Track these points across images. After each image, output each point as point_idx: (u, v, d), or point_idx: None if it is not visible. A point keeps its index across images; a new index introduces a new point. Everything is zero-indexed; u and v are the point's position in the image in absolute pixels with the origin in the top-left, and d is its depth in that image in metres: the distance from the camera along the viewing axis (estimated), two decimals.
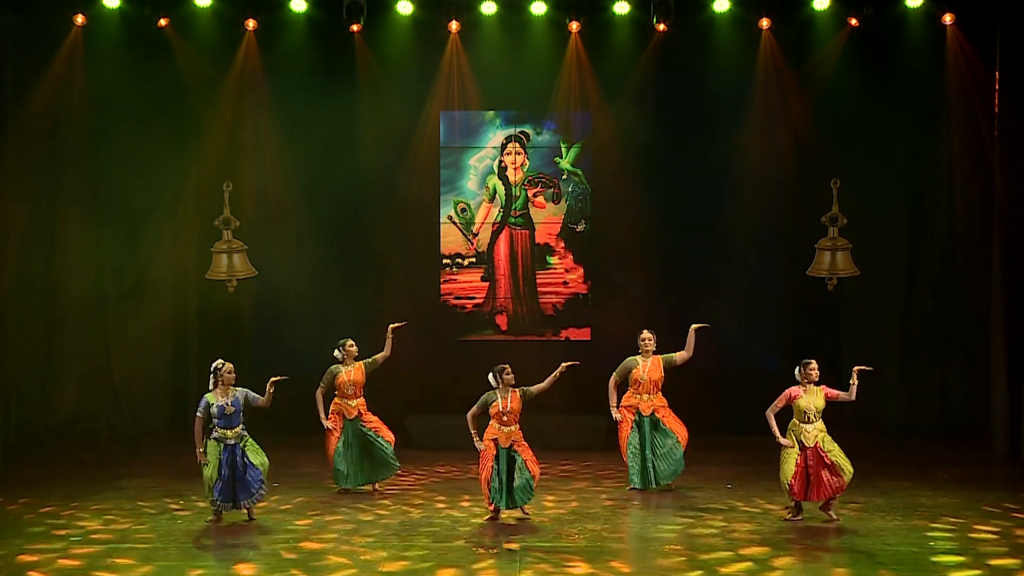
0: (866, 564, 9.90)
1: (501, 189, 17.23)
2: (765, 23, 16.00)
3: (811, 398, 11.37)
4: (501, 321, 17.24)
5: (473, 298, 17.25)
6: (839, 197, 16.85)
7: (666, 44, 16.12)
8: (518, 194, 17.21)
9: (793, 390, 11.45)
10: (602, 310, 17.01)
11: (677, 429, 12.93)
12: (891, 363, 16.66)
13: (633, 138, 16.69)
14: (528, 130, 17.22)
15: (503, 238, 17.25)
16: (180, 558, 10.23)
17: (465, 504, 12.27)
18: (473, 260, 17.25)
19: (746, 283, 16.85)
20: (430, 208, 17.15)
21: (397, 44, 16.40)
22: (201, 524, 11.44)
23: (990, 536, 10.83)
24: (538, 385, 11.64)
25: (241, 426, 11.54)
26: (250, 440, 11.60)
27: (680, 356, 12.93)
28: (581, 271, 17.25)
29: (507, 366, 11.54)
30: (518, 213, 17.24)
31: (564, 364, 11.60)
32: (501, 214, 17.24)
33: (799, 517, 11.45)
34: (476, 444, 11.53)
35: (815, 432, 11.34)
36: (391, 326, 13.07)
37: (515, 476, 11.42)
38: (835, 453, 11.32)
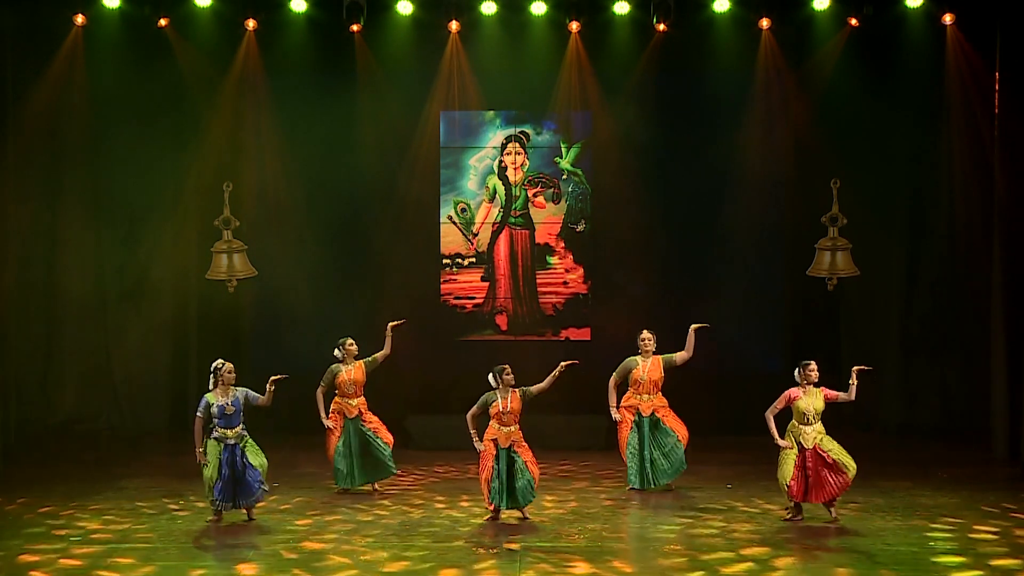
0: (866, 564, 9.90)
1: (501, 189, 17.23)
2: (765, 23, 16.01)
3: (810, 400, 11.37)
4: (501, 321, 17.25)
5: (473, 298, 17.26)
6: (839, 197, 16.86)
7: (666, 44, 16.12)
8: (518, 194, 17.21)
9: (792, 391, 11.44)
10: (602, 310, 17.01)
11: (677, 428, 12.93)
12: (891, 363, 16.67)
13: (633, 138, 16.69)
14: (528, 130, 17.22)
15: (503, 238, 17.25)
16: (180, 558, 10.23)
17: (465, 504, 12.27)
18: (473, 260, 17.26)
19: (746, 283, 16.85)
20: (430, 208, 17.16)
21: (397, 44, 16.41)
22: (201, 524, 11.44)
23: (990, 536, 10.83)
24: (538, 385, 11.64)
25: (241, 426, 11.54)
26: (250, 440, 11.60)
27: (680, 356, 12.92)
28: (581, 271, 17.25)
29: (507, 366, 11.54)
30: (518, 213, 17.24)
31: (563, 363, 11.60)
32: (501, 214, 17.24)
33: (799, 517, 11.45)
34: (476, 444, 11.53)
35: (814, 434, 11.33)
36: (390, 324, 13.08)
37: (516, 478, 11.42)
38: (835, 451, 11.31)
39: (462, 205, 17.25)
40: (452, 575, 9.68)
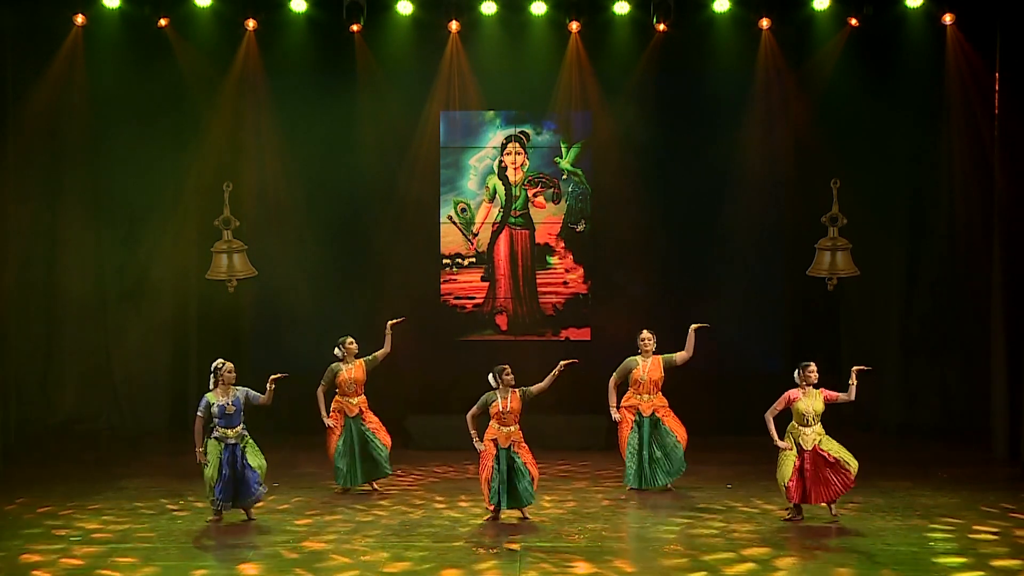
0: (866, 564, 9.90)
1: (501, 189, 17.23)
2: (765, 23, 16.01)
3: (810, 401, 11.36)
4: (501, 321, 17.25)
5: (473, 298, 17.25)
6: (839, 197, 16.86)
7: (666, 44, 16.13)
8: (518, 194, 17.21)
9: (792, 393, 11.43)
10: (602, 310, 17.01)
11: (677, 429, 12.92)
12: (891, 363, 16.67)
13: (633, 138, 16.69)
14: (528, 130, 17.22)
15: (503, 238, 17.25)
16: (181, 558, 10.23)
17: (464, 504, 12.27)
18: (473, 260, 17.26)
19: (746, 283, 16.86)
20: (430, 208, 17.16)
21: (397, 44, 16.41)
22: (201, 524, 11.44)
23: (990, 536, 10.82)
24: (538, 385, 11.63)
25: (242, 425, 11.54)
26: (250, 441, 11.60)
27: (680, 356, 12.91)
28: (581, 271, 17.25)
29: (507, 366, 11.53)
30: (518, 213, 17.24)
31: (563, 362, 11.59)
32: (501, 214, 17.24)
33: (799, 518, 11.44)
34: (476, 444, 11.52)
35: (814, 435, 11.32)
36: (390, 322, 13.08)
37: (517, 478, 11.41)
38: (835, 450, 11.31)
39: (462, 205, 17.25)
40: (453, 575, 9.68)
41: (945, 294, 16.73)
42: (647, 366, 12.88)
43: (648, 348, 12.92)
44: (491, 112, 17.15)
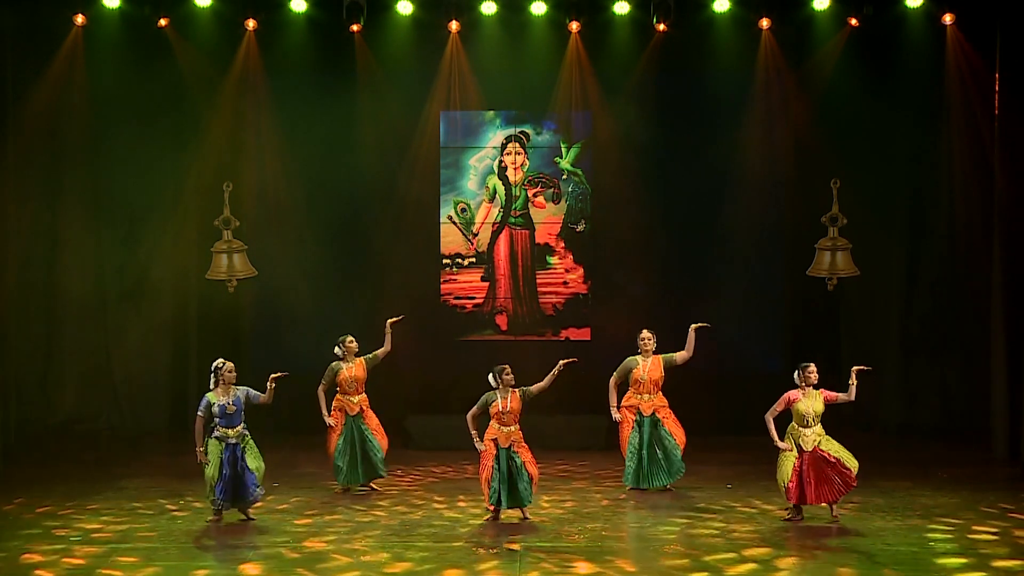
0: (866, 564, 9.89)
1: (501, 189, 17.23)
2: (765, 23, 16.02)
3: (810, 402, 11.35)
4: (501, 321, 17.25)
5: (473, 298, 17.26)
6: (839, 197, 16.87)
7: (666, 44, 16.13)
8: (518, 194, 17.22)
9: (792, 393, 11.43)
10: (602, 310, 17.01)
11: (675, 431, 12.92)
12: (891, 363, 16.68)
13: (633, 138, 16.69)
14: (528, 130, 17.22)
15: (503, 238, 17.25)
16: (181, 558, 10.23)
17: (464, 504, 12.27)
18: (473, 260, 17.26)
19: (746, 283, 16.86)
20: (430, 208, 17.16)
21: (397, 44, 16.41)
22: (201, 524, 11.44)
23: (990, 537, 10.82)
24: (538, 384, 11.62)
25: (242, 425, 11.54)
26: (250, 441, 11.59)
27: (680, 356, 12.92)
28: (581, 271, 17.25)
29: (507, 366, 11.53)
30: (518, 213, 17.24)
31: (562, 361, 11.59)
32: (501, 214, 17.24)
33: (799, 518, 11.44)
34: (476, 444, 11.52)
35: (814, 436, 11.32)
36: (389, 321, 13.09)
37: (517, 479, 11.41)
38: (836, 449, 11.31)
39: (462, 205, 17.25)
40: (455, 575, 9.69)
41: (945, 294, 16.74)
42: (647, 366, 12.89)
43: (648, 348, 12.92)
44: (491, 112, 17.15)
